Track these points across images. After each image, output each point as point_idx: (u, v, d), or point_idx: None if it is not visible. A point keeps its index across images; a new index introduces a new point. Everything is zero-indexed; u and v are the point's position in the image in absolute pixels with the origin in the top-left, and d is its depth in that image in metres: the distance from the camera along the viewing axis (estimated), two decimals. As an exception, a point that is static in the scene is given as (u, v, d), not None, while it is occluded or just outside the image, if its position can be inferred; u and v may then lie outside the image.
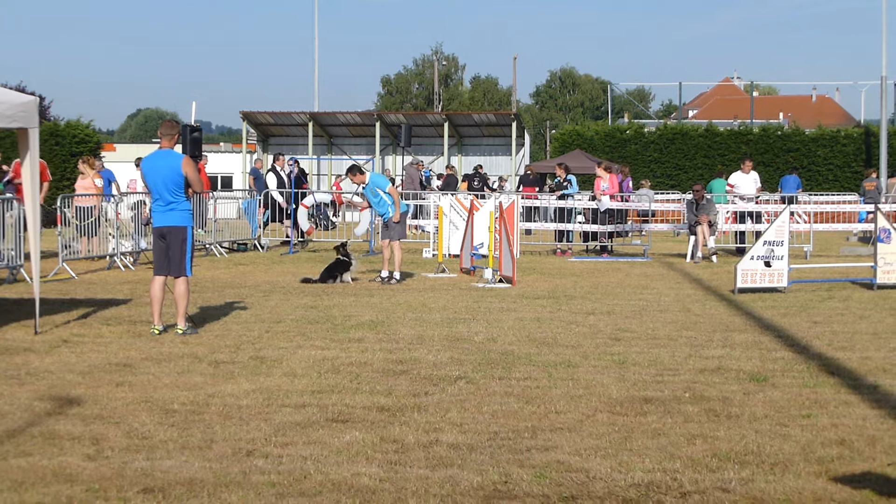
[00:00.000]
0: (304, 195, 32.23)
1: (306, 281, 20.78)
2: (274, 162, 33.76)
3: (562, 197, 31.59)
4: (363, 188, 21.46)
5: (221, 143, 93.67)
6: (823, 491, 7.09)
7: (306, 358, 12.03)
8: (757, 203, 31.16)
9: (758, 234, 28.44)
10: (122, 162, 58.57)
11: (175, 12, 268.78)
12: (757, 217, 30.16)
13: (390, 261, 21.16)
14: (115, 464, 7.66)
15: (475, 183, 42.78)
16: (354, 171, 21.67)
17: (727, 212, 30.41)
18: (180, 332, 13.76)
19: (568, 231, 31.14)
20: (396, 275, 21.00)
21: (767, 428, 8.79)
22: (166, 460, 7.77)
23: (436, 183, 45.13)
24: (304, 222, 32.00)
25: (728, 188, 31.31)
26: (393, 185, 21.85)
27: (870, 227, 27.25)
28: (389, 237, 21.04)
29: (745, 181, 30.74)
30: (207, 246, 28.31)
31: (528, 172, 42.24)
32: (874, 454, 8.00)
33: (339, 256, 21.02)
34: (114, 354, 12.25)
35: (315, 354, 12.27)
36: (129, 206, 26.26)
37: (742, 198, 30.55)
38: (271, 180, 32.36)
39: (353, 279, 20.86)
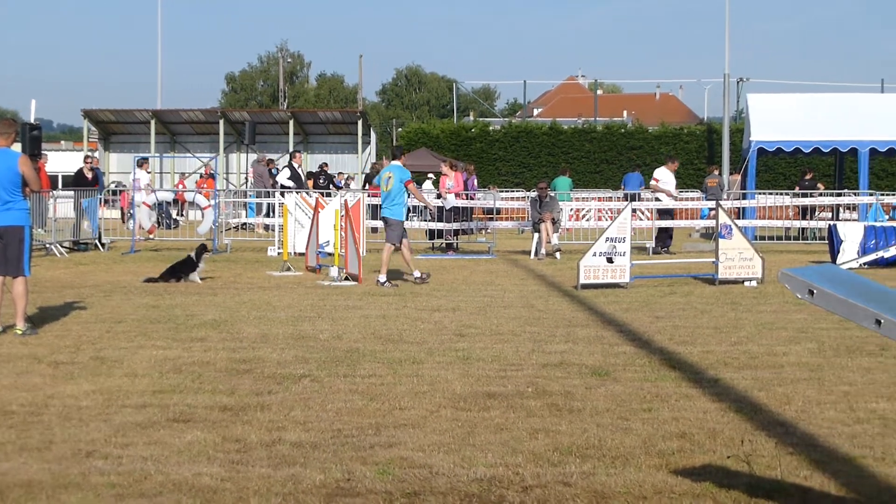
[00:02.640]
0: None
1: (150, 280, 20.47)
2: (291, 159, 34.11)
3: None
4: (378, 176, 20.84)
5: (62, 142, 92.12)
6: (664, 484, 7.19)
7: (147, 358, 11.86)
8: (676, 200, 31.73)
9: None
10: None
11: (11, 6, 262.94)
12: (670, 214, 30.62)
13: (410, 262, 20.71)
14: (-53, 468, 7.47)
15: (321, 181, 42.66)
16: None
17: (571, 209, 30.71)
18: (19, 332, 13.48)
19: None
20: (416, 273, 20.46)
21: (609, 422, 8.89)
22: (4, 462, 7.61)
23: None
24: (145, 221, 31.54)
25: (654, 182, 31.53)
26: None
27: (712, 223, 27.78)
28: (389, 240, 20.66)
29: (671, 178, 31.10)
30: (47, 245, 27.77)
31: (375, 170, 42.24)
32: (714, 447, 8.13)
33: (190, 255, 20.74)
34: (-52, 356, 11.95)
35: (156, 354, 12.10)
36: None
37: (668, 194, 30.90)
38: (283, 175, 32.34)
39: (201, 279, 20.55)
